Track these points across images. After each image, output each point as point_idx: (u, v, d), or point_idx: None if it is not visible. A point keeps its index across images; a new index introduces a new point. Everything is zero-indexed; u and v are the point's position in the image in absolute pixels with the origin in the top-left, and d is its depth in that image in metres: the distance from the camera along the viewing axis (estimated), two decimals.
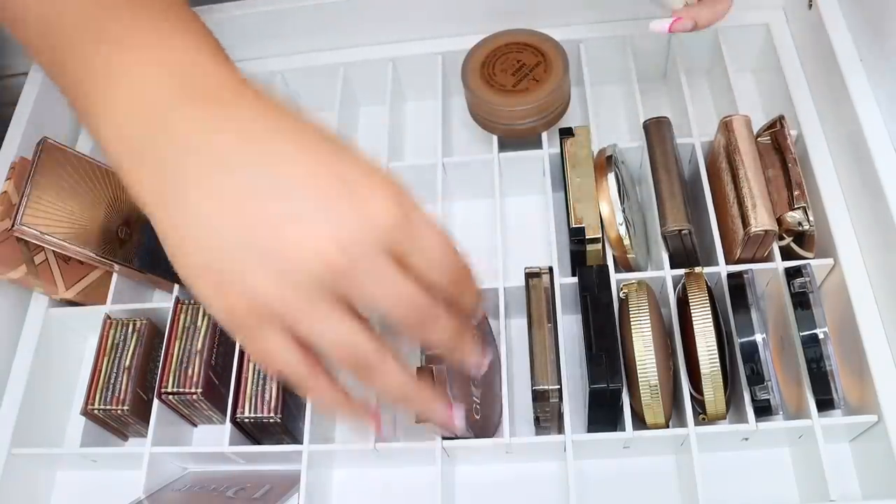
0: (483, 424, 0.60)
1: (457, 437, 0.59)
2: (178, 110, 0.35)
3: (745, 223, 0.59)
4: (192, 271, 0.35)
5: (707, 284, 0.58)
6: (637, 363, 0.55)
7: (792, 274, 0.58)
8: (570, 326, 0.66)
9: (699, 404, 0.57)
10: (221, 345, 0.65)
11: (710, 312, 0.56)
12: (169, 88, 0.36)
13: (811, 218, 0.61)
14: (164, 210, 0.35)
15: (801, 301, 0.56)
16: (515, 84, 0.68)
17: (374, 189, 0.34)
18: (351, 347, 0.36)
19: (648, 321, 0.56)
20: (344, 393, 0.40)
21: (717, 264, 0.62)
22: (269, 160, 0.34)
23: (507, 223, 0.73)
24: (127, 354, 0.66)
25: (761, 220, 0.59)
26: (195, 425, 0.69)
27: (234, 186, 0.34)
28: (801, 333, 0.55)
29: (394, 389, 0.39)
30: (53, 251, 0.68)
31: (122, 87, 0.36)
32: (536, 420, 0.59)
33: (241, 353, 0.64)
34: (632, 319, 0.56)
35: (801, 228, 0.61)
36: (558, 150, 0.68)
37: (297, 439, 0.64)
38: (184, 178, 0.34)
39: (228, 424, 0.61)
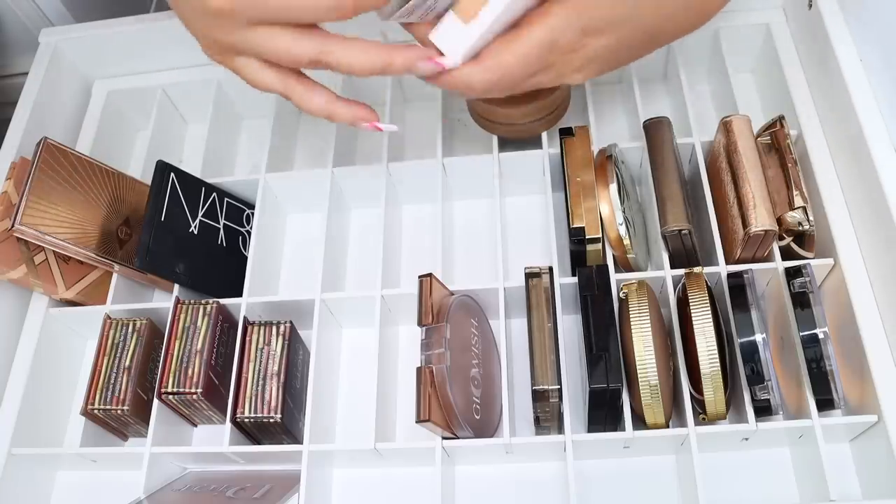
0: (483, 424, 0.60)
1: (457, 437, 0.59)
2: None
3: (745, 223, 0.59)
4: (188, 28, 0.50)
5: (707, 284, 0.58)
6: (637, 363, 0.55)
7: (792, 274, 0.58)
8: (570, 326, 0.66)
9: (699, 404, 0.57)
10: (221, 345, 0.65)
11: (710, 312, 0.56)
12: None
13: (811, 218, 0.61)
14: None
15: (801, 301, 0.56)
16: None
17: None
18: (285, 52, 0.47)
19: (648, 321, 0.56)
20: (332, 92, 0.50)
21: (717, 264, 0.62)
22: None
23: (507, 223, 0.73)
24: (127, 354, 0.66)
25: (761, 220, 0.59)
26: (195, 425, 0.69)
27: None
28: (801, 333, 0.55)
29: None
30: (53, 251, 0.68)
31: None
32: (536, 420, 0.59)
33: (242, 353, 0.64)
34: (632, 319, 0.56)
35: (801, 228, 0.61)
36: (558, 150, 0.68)
37: (297, 439, 0.64)
38: None
39: (228, 424, 0.61)
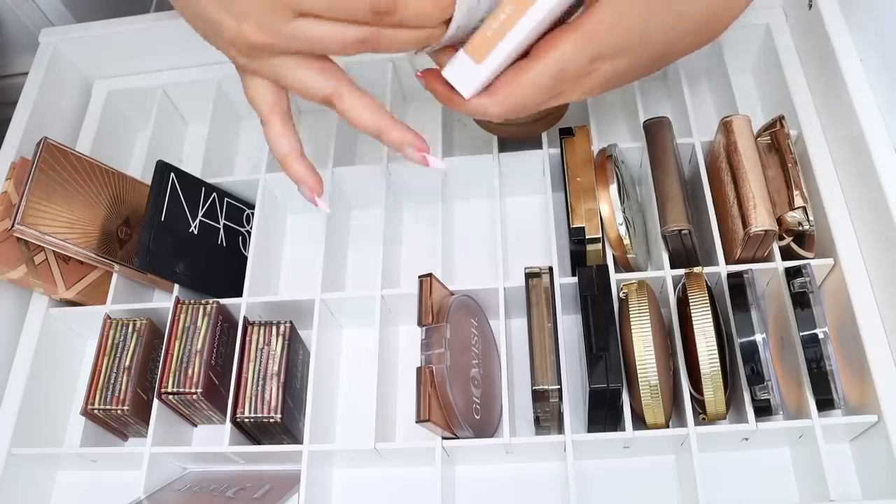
0: (483, 424, 0.60)
1: (457, 437, 0.59)
2: None
3: (745, 223, 0.59)
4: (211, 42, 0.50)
5: (707, 284, 0.58)
6: (637, 363, 0.55)
7: (792, 274, 0.58)
8: (570, 326, 0.66)
9: (699, 404, 0.57)
10: (221, 345, 0.65)
11: (710, 312, 0.56)
12: None
13: (811, 218, 0.61)
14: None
15: (801, 301, 0.56)
16: None
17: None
18: (300, 84, 0.49)
19: (648, 321, 0.56)
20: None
21: (717, 264, 0.62)
22: None
23: (507, 223, 0.73)
24: (127, 354, 0.66)
25: (761, 220, 0.59)
26: (195, 425, 0.69)
27: None
28: (801, 333, 0.55)
29: (366, 114, 0.50)
30: (53, 251, 0.68)
31: None
32: (536, 420, 0.59)
33: (242, 353, 0.64)
34: (632, 319, 0.56)
35: (801, 228, 0.61)
36: (558, 150, 0.68)
37: (297, 439, 0.64)
38: None
39: (228, 424, 0.61)
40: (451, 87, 0.49)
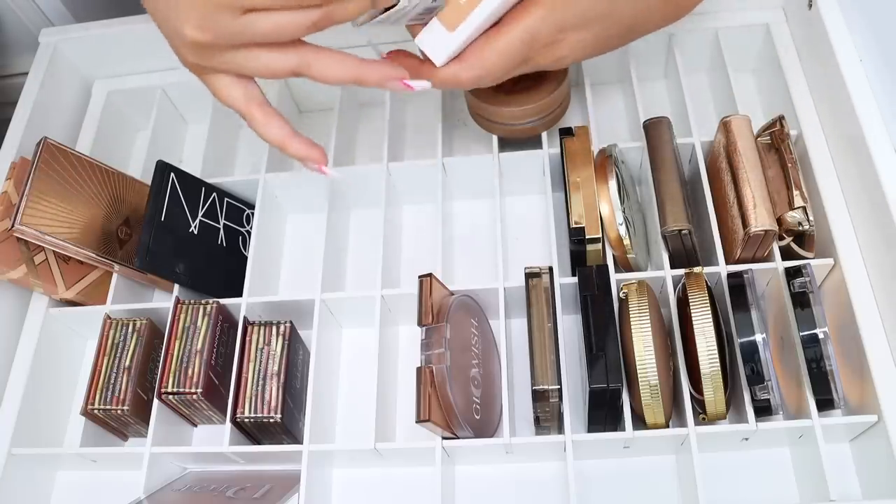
0: (483, 424, 0.60)
1: (457, 437, 0.59)
2: None
3: (745, 223, 0.59)
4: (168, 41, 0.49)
5: (707, 284, 0.58)
6: (637, 363, 0.55)
7: (792, 274, 0.58)
8: (570, 326, 0.66)
9: (699, 404, 0.57)
10: (221, 345, 0.65)
11: (710, 312, 0.56)
12: None
13: (811, 218, 0.61)
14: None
15: (801, 301, 0.56)
16: (515, 84, 0.68)
17: None
18: (265, 68, 0.48)
19: (648, 321, 0.56)
20: (289, 125, 0.51)
21: (717, 264, 0.62)
22: None
23: (507, 223, 0.73)
24: (127, 354, 0.66)
25: (761, 220, 0.59)
26: (195, 425, 0.69)
27: None
28: (801, 333, 0.55)
29: (339, 70, 0.49)
30: (53, 251, 0.68)
31: None
32: (536, 420, 0.59)
33: (242, 353, 0.64)
34: (632, 319, 0.56)
35: (801, 228, 0.61)
36: (558, 150, 0.68)
37: (297, 439, 0.64)
38: None
39: (228, 424, 0.61)
40: (421, 60, 0.52)
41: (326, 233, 0.69)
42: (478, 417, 0.60)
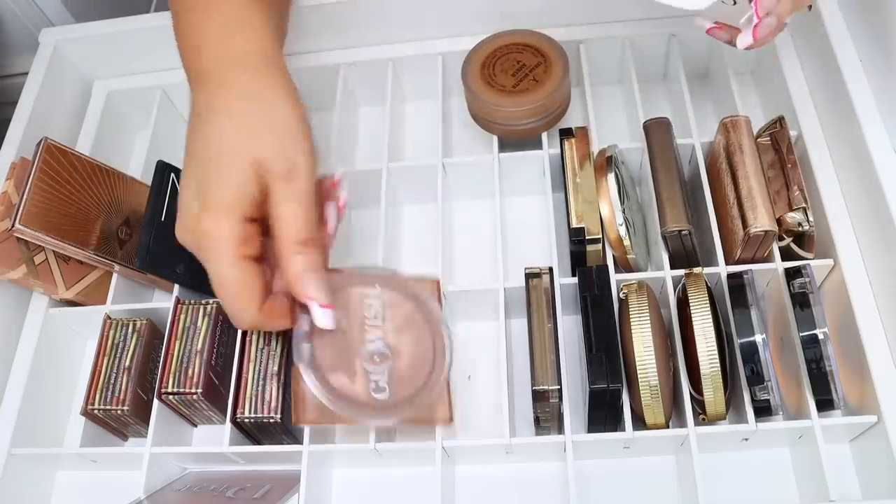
0: (402, 402, 0.55)
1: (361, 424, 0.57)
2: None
3: (745, 224, 0.59)
4: None
5: (707, 285, 0.58)
6: (637, 363, 0.55)
7: (792, 274, 0.58)
8: (570, 326, 0.66)
9: (699, 404, 0.57)
10: (221, 345, 0.65)
11: (710, 313, 0.56)
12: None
13: (811, 218, 0.61)
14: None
15: (801, 301, 0.56)
16: (516, 85, 0.68)
17: None
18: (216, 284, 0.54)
19: (648, 321, 0.56)
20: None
21: (717, 264, 0.62)
22: None
23: (507, 223, 0.73)
24: (127, 354, 0.66)
25: (761, 220, 0.59)
26: (195, 425, 0.69)
27: None
28: (801, 334, 0.55)
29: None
30: (53, 251, 0.68)
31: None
32: (536, 420, 0.59)
33: (242, 354, 0.64)
34: (632, 319, 0.56)
35: (800, 229, 0.61)
36: (558, 151, 0.68)
37: (297, 439, 0.64)
38: None
39: (228, 424, 0.61)
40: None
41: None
42: (382, 396, 0.54)
